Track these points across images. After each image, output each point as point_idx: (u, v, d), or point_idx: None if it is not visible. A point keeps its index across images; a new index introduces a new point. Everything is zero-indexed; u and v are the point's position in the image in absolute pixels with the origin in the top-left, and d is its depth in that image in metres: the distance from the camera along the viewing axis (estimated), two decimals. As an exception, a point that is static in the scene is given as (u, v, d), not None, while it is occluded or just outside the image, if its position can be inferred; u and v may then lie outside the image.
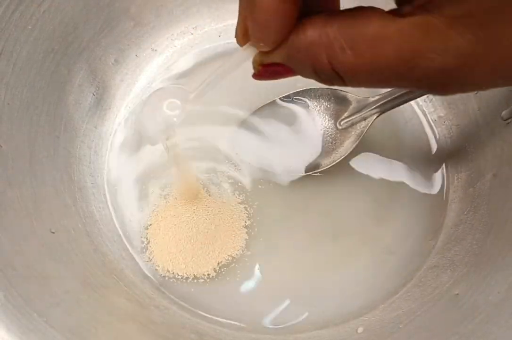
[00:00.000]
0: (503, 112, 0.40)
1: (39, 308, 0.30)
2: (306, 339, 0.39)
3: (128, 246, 0.42)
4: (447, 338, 0.34)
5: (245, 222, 0.43)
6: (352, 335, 0.38)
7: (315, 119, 0.45)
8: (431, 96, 0.47)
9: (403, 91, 0.39)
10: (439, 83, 0.21)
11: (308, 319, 0.40)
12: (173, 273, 0.41)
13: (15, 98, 0.36)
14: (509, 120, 0.39)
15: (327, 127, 0.44)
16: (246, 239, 0.42)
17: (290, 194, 0.44)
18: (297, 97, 0.45)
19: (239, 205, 0.43)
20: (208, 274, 0.41)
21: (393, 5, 0.22)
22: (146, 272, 0.41)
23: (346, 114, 0.44)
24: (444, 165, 0.45)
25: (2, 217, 0.32)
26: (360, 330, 0.39)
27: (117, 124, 0.46)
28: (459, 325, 0.34)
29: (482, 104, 0.42)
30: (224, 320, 0.40)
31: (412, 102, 0.47)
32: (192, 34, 0.50)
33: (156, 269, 0.41)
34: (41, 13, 0.37)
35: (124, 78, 0.47)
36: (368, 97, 0.43)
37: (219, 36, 0.49)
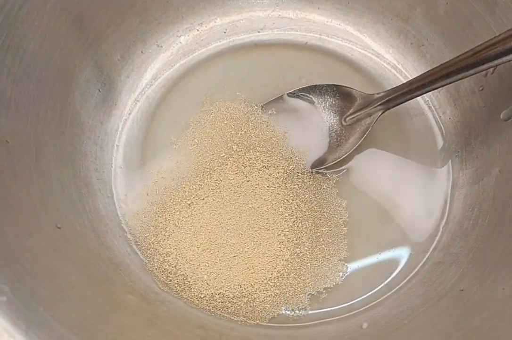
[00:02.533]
0: (502, 113, 0.40)
1: (45, 303, 0.30)
2: (311, 335, 0.39)
3: (133, 242, 0.42)
4: (451, 334, 0.34)
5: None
6: (356, 330, 0.38)
7: (320, 116, 0.44)
8: (436, 92, 0.46)
9: (409, 87, 0.39)
10: None
11: (313, 315, 0.40)
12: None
13: (21, 94, 0.36)
14: (510, 120, 0.39)
15: (333, 123, 0.44)
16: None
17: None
18: (303, 93, 0.45)
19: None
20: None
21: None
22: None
23: (351, 111, 0.44)
24: (449, 161, 0.45)
25: (8, 212, 0.32)
26: (364, 325, 0.39)
27: (123, 120, 0.47)
28: (464, 321, 0.34)
29: (487, 101, 0.42)
30: (230, 315, 0.40)
31: (418, 99, 0.47)
32: (197, 30, 0.50)
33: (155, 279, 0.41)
34: (48, 9, 0.37)
35: (130, 74, 0.47)
36: (373, 94, 0.42)
37: (225, 32, 0.49)
